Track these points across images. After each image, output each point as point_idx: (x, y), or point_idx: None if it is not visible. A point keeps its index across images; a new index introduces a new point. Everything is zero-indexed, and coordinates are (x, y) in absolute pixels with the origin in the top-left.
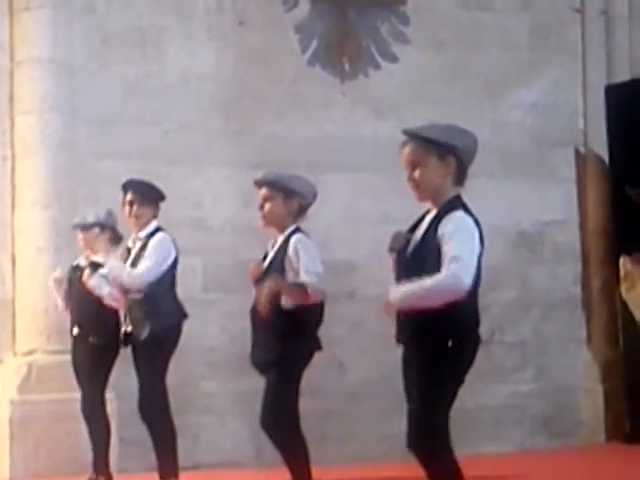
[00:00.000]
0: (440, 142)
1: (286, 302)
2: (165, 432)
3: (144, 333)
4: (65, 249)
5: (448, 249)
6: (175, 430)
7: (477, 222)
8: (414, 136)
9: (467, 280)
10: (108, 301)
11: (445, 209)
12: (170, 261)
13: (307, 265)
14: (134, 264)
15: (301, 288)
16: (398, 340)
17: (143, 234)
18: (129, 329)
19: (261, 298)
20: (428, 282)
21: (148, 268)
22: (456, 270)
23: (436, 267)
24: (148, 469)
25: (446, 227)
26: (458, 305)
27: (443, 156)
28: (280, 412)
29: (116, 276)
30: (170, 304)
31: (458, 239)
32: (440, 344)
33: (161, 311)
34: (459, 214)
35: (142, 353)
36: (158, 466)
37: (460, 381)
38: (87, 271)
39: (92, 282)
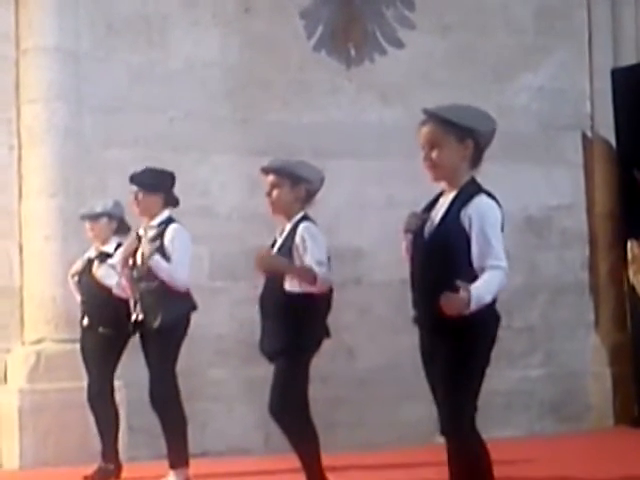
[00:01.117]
0: (460, 124)
1: (291, 285)
2: (175, 421)
3: (156, 322)
4: (72, 238)
5: (491, 242)
6: (186, 419)
7: (498, 203)
8: (434, 116)
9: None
10: (117, 291)
11: (466, 192)
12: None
13: (313, 254)
14: (146, 251)
15: (311, 273)
16: (416, 321)
17: (155, 222)
18: (140, 317)
19: (261, 263)
20: (494, 285)
21: (182, 266)
22: (505, 266)
23: (463, 250)
24: (157, 457)
25: (474, 215)
26: None
27: (462, 138)
28: (288, 399)
29: (164, 275)
30: (181, 293)
31: (494, 230)
32: (461, 325)
33: (173, 300)
34: (483, 199)
35: (153, 342)
36: (168, 455)
37: (486, 361)
38: (96, 262)
39: (100, 272)
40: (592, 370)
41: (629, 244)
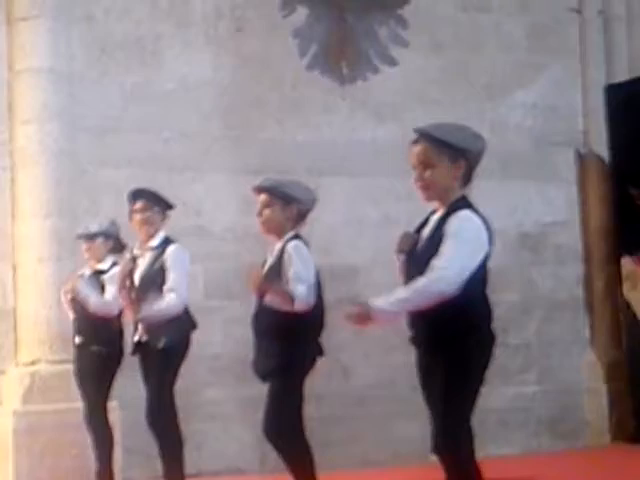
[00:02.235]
0: (453, 145)
1: (270, 302)
2: (172, 442)
3: (161, 342)
4: (66, 259)
5: (445, 248)
6: (182, 440)
7: (485, 221)
8: (427, 136)
9: (456, 281)
10: (95, 310)
11: (452, 208)
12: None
13: (296, 270)
14: (147, 275)
15: (287, 295)
16: (413, 341)
17: (154, 244)
18: (144, 338)
19: (252, 282)
20: (416, 291)
21: (180, 294)
22: (444, 273)
23: None
24: (153, 478)
25: (450, 225)
26: (471, 304)
27: (455, 158)
28: (282, 419)
29: (163, 315)
30: (184, 313)
31: (458, 239)
32: (457, 345)
33: (174, 320)
34: (466, 212)
35: (155, 362)
36: (164, 476)
37: (481, 380)
38: (79, 281)
39: (81, 293)
40: (588, 386)
41: (623, 260)
